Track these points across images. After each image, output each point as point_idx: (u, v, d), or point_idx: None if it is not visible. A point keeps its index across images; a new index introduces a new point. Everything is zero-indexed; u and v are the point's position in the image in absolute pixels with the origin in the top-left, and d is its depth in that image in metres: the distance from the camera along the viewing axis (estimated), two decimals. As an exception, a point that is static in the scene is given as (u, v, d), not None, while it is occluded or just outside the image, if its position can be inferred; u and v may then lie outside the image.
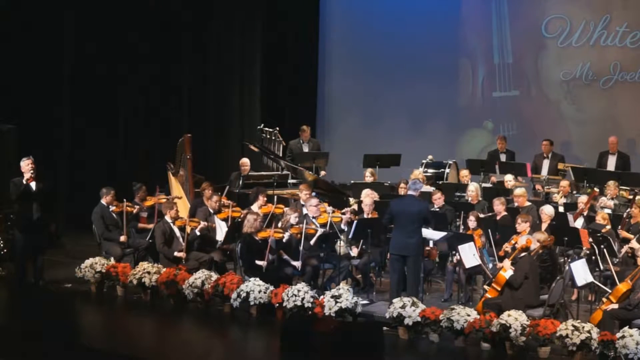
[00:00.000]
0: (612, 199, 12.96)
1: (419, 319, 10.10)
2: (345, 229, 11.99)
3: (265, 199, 12.87)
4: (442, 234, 11.66)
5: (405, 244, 10.86)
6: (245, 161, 14.81)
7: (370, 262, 11.76)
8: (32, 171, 11.91)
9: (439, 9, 17.61)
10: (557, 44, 16.88)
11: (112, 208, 12.57)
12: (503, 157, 15.46)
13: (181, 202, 13.35)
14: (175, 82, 16.86)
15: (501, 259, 11.20)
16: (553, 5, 16.94)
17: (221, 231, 12.47)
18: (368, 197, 12.46)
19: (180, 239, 12.08)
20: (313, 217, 12.17)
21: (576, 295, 10.90)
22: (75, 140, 15.83)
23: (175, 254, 11.97)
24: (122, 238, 12.39)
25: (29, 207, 11.95)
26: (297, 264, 11.57)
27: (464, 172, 14.70)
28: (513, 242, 11.33)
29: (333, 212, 12.29)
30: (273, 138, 16.22)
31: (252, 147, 14.71)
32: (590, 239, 11.23)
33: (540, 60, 17.05)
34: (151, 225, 12.51)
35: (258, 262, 11.42)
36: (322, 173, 15.10)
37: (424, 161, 15.37)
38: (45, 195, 12.02)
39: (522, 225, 11.43)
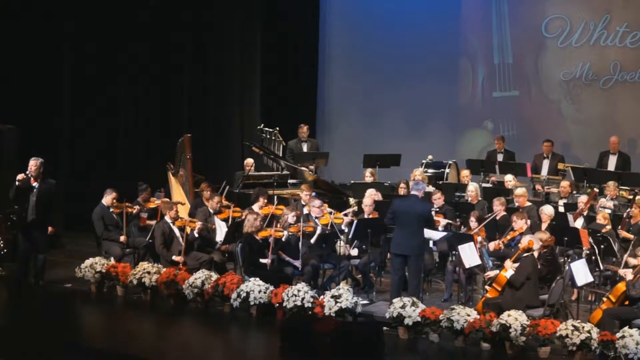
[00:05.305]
0: (612, 199, 12.96)
1: (419, 319, 10.09)
2: (346, 230, 11.98)
3: (265, 200, 12.87)
4: (443, 233, 11.67)
5: (406, 243, 10.84)
6: (250, 161, 14.78)
7: (370, 262, 11.76)
8: (31, 174, 11.89)
9: (439, 9, 17.60)
10: (557, 44, 16.86)
11: (112, 209, 12.57)
12: (500, 157, 15.45)
13: (183, 207, 13.33)
14: (175, 82, 16.86)
15: (498, 254, 11.27)
16: (553, 5, 16.93)
17: (221, 232, 12.47)
18: (369, 197, 12.45)
19: (180, 239, 12.08)
20: (315, 218, 12.17)
21: (576, 295, 10.90)
22: (75, 140, 15.84)
23: (173, 257, 11.98)
24: (122, 238, 12.40)
25: (28, 207, 11.95)
26: (298, 263, 11.57)
27: (464, 172, 14.70)
28: (509, 237, 11.34)
29: (333, 213, 12.27)
30: (273, 138, 16.19)
31: (255, 149, 14.68)
32: (590, 239, 11.24)
33: (540, 60, 17.04)
34: (153, 222, 12.51)
35: (262, 261, 11.42)
36: (311, 168, 15.04)
37: (424, 161, 15.35)
38: (44, 195, 12.01)
39: (519, 223, 11.44)
